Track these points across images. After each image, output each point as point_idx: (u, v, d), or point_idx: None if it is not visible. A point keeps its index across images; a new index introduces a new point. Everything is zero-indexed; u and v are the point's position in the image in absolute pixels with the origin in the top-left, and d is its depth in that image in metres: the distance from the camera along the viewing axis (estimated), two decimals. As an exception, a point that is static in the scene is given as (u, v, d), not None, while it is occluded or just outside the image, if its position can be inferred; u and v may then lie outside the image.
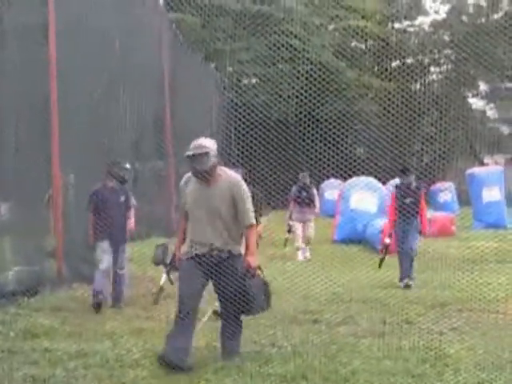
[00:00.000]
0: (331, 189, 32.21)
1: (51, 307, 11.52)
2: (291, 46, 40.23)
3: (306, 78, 18.12)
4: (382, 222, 20.40)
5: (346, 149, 25.73)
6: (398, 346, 9.35)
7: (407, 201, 14.55)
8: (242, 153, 21.04)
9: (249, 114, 16.07)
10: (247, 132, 16.78)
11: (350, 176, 24.57)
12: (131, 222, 12.80)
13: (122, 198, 12.53)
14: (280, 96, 35.89)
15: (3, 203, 13.58)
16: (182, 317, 8.24)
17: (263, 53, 41.08)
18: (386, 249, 14.91)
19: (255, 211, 9.96)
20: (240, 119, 15.91)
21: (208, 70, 32.93)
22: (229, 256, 8.44)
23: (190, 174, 8.54)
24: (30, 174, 13.35)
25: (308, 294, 13.03)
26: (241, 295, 8.40)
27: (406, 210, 14.30)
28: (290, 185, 19.64)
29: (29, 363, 8.41)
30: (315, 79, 18.24)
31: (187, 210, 8.62)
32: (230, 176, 8.54)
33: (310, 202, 19.63)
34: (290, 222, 19.54)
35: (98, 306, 11.59)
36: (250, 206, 8.52)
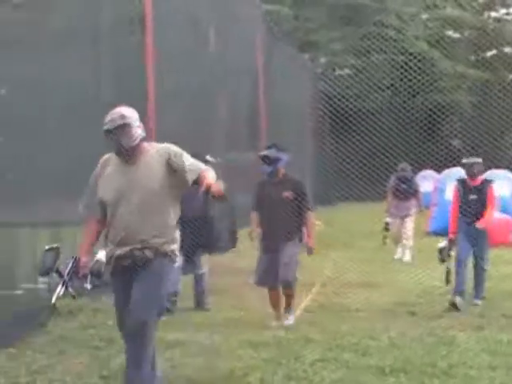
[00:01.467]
0: (426, 181, 31.86)
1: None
2: (385, 36, 39.94)
3: (401, 68, 17.90)
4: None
5: (441, 139, 25.42)
6: (497, 340, 9.18)
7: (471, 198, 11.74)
8: (336, 143, 20.90)
9: (342, 105, 15.98)
10: (341, 123, 16.72)
11: (445, 167, 24.31)
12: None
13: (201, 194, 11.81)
14: (373, 87, 35.64)
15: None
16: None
17: (357, 43, 40.81)
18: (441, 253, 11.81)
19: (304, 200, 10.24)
20: (333, 110, 15.83)
21: (301, 60, 32.84)
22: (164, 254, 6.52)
23: (106, 156, 6.70)
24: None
25: (405, 287, 12.91)
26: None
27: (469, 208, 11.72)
28: (384, 177, 17.86)
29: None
30: (410, 69, 18.01)
31: (105, 201, 6.56)
32: (158, 146, 6.67)
33: (409, 196, 17.73)
34: (388, 219, 17.94)
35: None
36: (193, 161, 6.58)
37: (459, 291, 11.41)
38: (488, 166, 17.69)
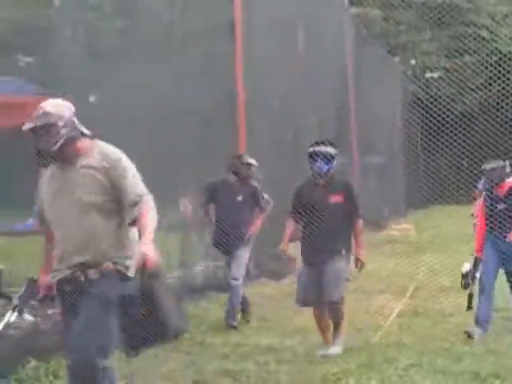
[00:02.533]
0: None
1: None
2: (478, 36, 39.44)
3: (494, 69, 17.64)
4: None
5: (533, 141, 24.83)
6: None
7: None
8: (428, 146, 20.69)
9: (433, 107, 15.81)
10: (432, 125, 16.55)
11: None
12: (255, 224, 10.79)
13: (240, 197, 10.68)
14: (466, 88, 35.25)
15: (188, 197, 13.81)
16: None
17: (448, 44, 40.38)
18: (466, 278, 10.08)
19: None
20: (424, 113, 15.67)
21: (391, 63, 32.66)
22: (106, 276, 5.32)
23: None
24: (214, 170, 13.57)
25: (501, 291, 12.69)
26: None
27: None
28: (476, 179, 15.74)
29: (220, 357, 8.53)
30: (504, 69, 17.71)
31: (46, 215, 5.63)
32: (102, 148, 5.48)
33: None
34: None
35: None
36: (136, 179, 5.41)
37: (480, 324, 9.61)
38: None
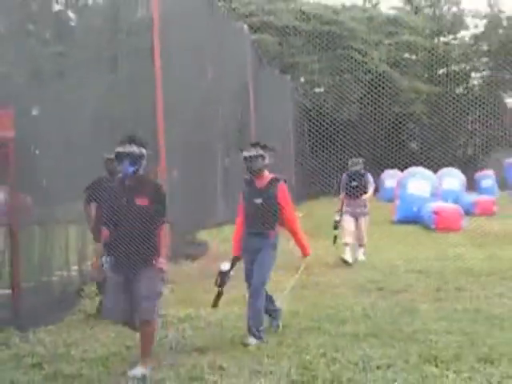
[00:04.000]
0: (390, 178, 32.06)
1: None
2: (353, 58, 40.08)
3: (366, 86, 17.94)
4: (435, 205, 20.63)
5: (402, 143, 25.42)
6: (452, 309, 9.24)
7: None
8: (314, 148, 20.91)
9: (319, 117, 16.07)
10: (318, 131, 16.79)
11: (406, 167, 24.56)
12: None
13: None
14: (345, 100, 35.80)
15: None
16: None
17: (331, 64, 40.93)
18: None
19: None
20: (312, 121, 15.91)
21: (284, 80, 32.91)
22: None
23: None
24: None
25: (374, 266, 12.98)
26: None
27: None
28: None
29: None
30: (374, 86, 18.01)
31: None
32: None
33: (362, 193, 13.99)
34: (337, 218, 13.75)
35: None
36: None
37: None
38: (440, 165, 17.63)
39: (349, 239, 13.72)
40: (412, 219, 22.11)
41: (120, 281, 6.70)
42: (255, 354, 7.23)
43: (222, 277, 8.23)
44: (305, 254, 8.33)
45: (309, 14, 43.11)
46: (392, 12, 50.33)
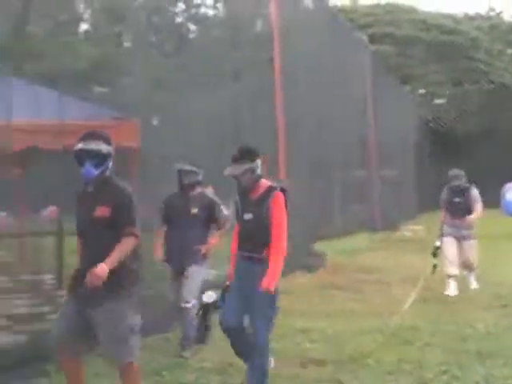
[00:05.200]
0: (512, 190, 31.13)
1: (282, 290, 11.59)
2: (476, 68, 39.18)
3: (489, 96, 17.49)
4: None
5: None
6: None
7: None
8: (435, 160, 20.53)
9: (440, 128, 15.76)
10: (439, 143, 16.52)
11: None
12: (210, 240, 8.02)
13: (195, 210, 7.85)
14: (466, 112, 35.06)
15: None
16: None
17: (451, 75, 40.18)
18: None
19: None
20: (432, 132, 15.64)
21: (403, 91, 32.56)
22: None
23: None
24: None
25: (497, 282, 12.56)
26: None
27: None
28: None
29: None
30: (497, 97, 17.47)
31: None
32: None
33: (467, 212, 11.64)
34: (438, 243, 11.74)
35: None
36: None
37: None
38: None
39: (452, 270, 11.66)
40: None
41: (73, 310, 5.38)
42: (375, 370, 7.12)
43: (205, 310, 7.50)
44: (264, 284, 5.99)
45: (430, 23, 42.49)
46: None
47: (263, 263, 6.09)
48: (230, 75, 13.32)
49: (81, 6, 37.69)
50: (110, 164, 5.47)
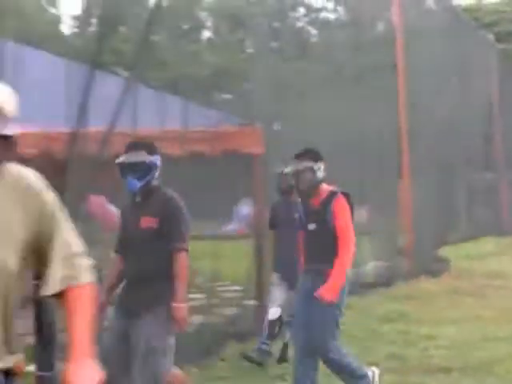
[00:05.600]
0: None
1: (404, 296, 11.51)
2: None
3: None
4: None
5: None
6: None
7: None
8: None
9: None
10: None
11: None
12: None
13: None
14: None
15: (362, 206, 13.92)
16: None
17: None
18: None
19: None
20: None
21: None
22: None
23: None
24: (380, 184, 13.55)
25: None
26: None
27: None
28: None
29: (388, 343, 8.47)
30: None
31: None
32: (23, 176, 2.55)
33: None
34: None
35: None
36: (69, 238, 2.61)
37: None
38: None
39: None
40: None
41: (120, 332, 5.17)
42: (503, 379, 6.95)
43: (271, 328, 7.12)
44: (322, 293, 5.70)
45: None
46: None
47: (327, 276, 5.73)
48: (351, 79, 13.30)
49: (203, 14, 38.60)
50: (157, 173, 5.23)
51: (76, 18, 32.00)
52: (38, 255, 2.53)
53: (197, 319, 8.19)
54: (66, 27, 35.97)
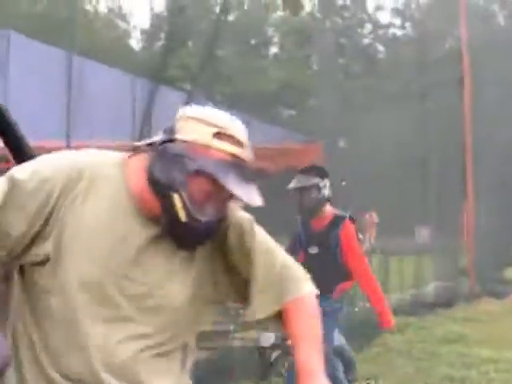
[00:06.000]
0: None
1: (464, 317, 11.35)
2: None
3: None
4: None
5: None
6: None
7: None
8: None
9: None
10: None
11: None
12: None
13: None
14: None
15: (423, 227, 13.79)
16: None
17: None
18: None
19: None
20: None
21: None
22: None
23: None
24: (443, 202, 13.41)
25: None
26: None
27: None
28: None
29: (446, 365, 8.34)
30: None
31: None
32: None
33: None
34: None
35: None
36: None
37: None
38: None
39: None
40: None
41: None
42: None
43: (262, 355, 6.57)
44: (384, 323, 5.55)
45: None
46: None
47: (331, 303, 5.33)
48: (417, 96, 13.23)
49: (270, 30, 38.77)
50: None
51: (144, 32, 32.50)
52: None
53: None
54: (135, 41, 36.56)
